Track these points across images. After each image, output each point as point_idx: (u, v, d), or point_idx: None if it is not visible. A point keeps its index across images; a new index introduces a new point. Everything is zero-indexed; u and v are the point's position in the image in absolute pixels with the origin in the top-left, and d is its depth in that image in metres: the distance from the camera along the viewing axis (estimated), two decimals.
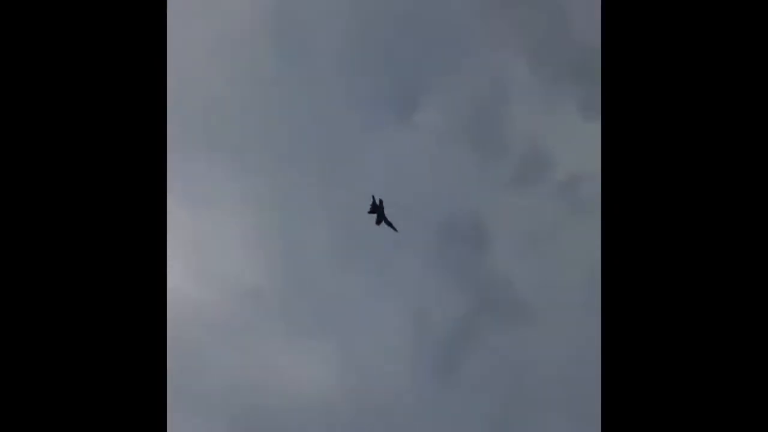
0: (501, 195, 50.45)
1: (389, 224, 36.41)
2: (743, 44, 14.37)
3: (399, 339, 49.73)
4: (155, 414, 16.32)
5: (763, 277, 15.35)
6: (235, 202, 50.01)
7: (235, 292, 48.63)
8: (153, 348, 16.12)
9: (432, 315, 49.79)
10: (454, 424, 47.84)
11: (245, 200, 50.15)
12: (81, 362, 15.81)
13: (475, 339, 46.48)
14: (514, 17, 52.09)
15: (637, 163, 15.85)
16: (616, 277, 18.17)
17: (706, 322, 16.13)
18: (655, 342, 17.50)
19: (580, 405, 46.11)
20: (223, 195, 50.20)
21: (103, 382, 15.87)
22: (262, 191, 50.24)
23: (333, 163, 51.29)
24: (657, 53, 14.92)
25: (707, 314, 16.09)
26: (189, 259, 48.77)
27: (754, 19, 14.24)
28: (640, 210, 16.47)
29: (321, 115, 51.72)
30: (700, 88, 14.66)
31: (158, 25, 16.57)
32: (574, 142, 51.09)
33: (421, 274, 50.09)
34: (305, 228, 49.89)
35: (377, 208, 36.10)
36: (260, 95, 51.43)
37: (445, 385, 48.52)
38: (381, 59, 52.27)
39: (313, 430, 46.57)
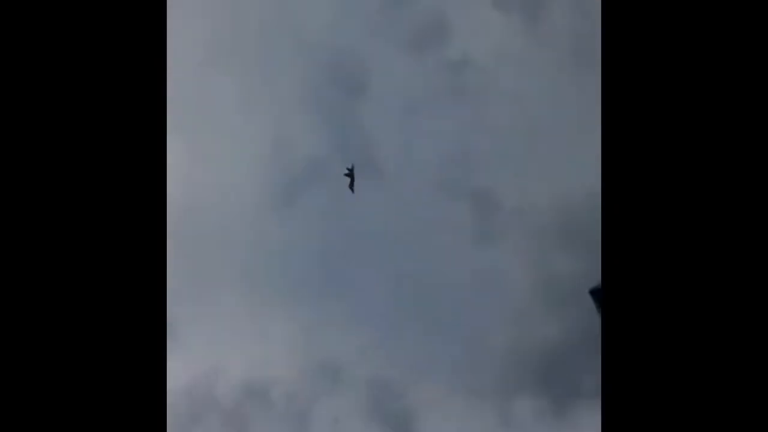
0: (390, 52, 50.24)
1: (351, 186, 38.25)
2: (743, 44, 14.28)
3: (249, 159, 49.72)
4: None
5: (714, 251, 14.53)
6: None
7: None
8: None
9: (289, 147, 49.87)
10: (281, 252, 48.66)
11: None
12: None
13: (322, 182, 46.85)
14: None
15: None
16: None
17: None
18: None
19: (400, 261, 47.72)
20: None
21: None
22: None
23: None
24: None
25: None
26: None
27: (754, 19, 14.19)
28: None
29: None
30: (698, 84, 14.36)
31: None
32: (477, 26, 51.06)
33: (292, 105, 49.90)
34: (188, 25, 48.74)
35: (351, 174, 38.08)
36: None
37: (281, 215, 49.07)
38: None
39: None
